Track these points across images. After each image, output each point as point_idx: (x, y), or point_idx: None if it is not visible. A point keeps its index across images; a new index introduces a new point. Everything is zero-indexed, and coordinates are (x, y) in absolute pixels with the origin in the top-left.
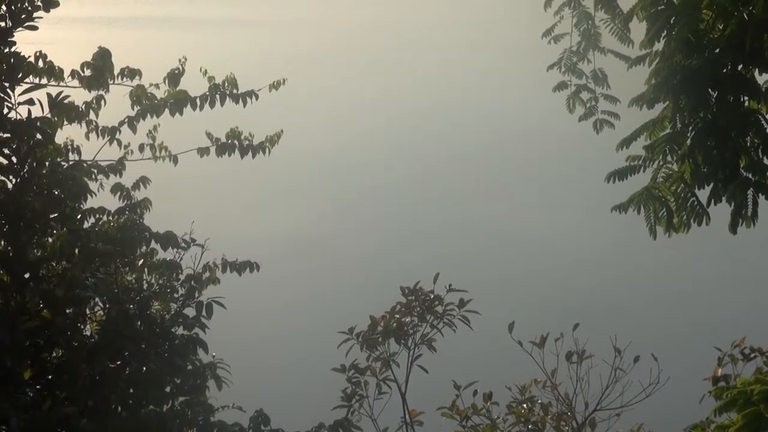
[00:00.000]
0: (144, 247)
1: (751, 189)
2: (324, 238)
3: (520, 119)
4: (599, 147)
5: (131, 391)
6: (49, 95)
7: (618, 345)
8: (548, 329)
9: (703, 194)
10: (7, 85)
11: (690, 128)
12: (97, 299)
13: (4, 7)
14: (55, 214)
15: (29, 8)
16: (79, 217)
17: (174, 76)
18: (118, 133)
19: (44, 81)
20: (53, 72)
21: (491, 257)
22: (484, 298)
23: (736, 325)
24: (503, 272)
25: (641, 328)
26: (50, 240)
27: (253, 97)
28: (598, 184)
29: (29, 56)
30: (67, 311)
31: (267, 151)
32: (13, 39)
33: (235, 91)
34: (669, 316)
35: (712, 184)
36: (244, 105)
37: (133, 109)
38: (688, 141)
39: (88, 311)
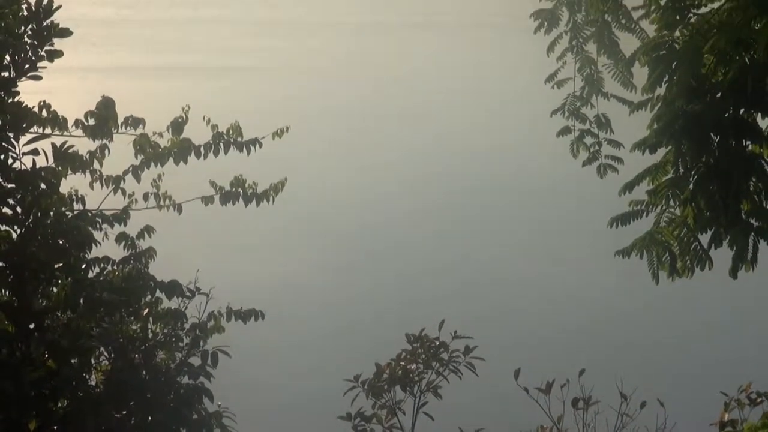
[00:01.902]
0: (149, 297)
1: (753, 234)
2: (329, 285)
3: (523, 160)
4: (603, 188)
5: None
6: (53, 145)
7: (624, 390)
8: (554, 375)
9: (705, 238)
10: (11, 135)
11: (692, 173)
12: (102, 349)
13: (8, 57)
14: (60, 264)
15: (33, 58)
16: (83, 266)
17: (177, 125)
18: (122, 182)
19: (48, 131)
20: (57, 122)
21: (496, 302)
22: (489, 343)
23: (742, 366)
24: (509, 318)
25: (646, 371)
26: (55, 290)
27: (257, 145)
28: (602, 227)
29: (33, 106)
30: (73, 361)
31: (271, 199)
32: (17, 89)
33: (239, 139)
34: (674, 358)
35: (713, 229)
36: (248, 153)
37: (137, 158)
38: (691, 186)
39: (93, 361)
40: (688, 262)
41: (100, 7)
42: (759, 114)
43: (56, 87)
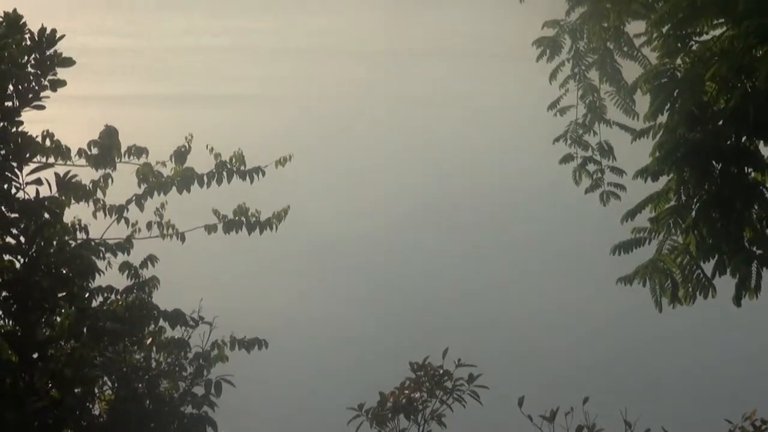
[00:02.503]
0: (152, 326)
1: (756, 262)
2: (332, 312)
3: (525, 189)
4: (606, 217)
5: None
6: (56, 174)
7: (628, 418)
8: (558, 403)
9: (708, 267)
10: (14, 165)
11: (695, 200)
12: (105, 378)
13: (11, 87)
14: (63, 294)
15: (36, 88)
16: (87, 296)
17: (180, 154)
18: (125, 211)
19: (51, 160)
20: (60, 151)
21: (499, 330)
22: (493, 371)
23: (745, 398)
24: (512, 345)
25: (651, 400)
26: (58, 319)
27: (260, 174)
28: (604, 255)
29: (36, 135)
30: (76, 391)
31: (274, 227)
32: (20, 119)
33: (242, 168)
34: (677, 389)
35: (716, 257)
36: (251, 181)
37: (140, 187)
38: (693, 213)
39: (96, 391)
40: (691, 289)
41: (101, 36)
42: (761, 141)
43: (56, 116)
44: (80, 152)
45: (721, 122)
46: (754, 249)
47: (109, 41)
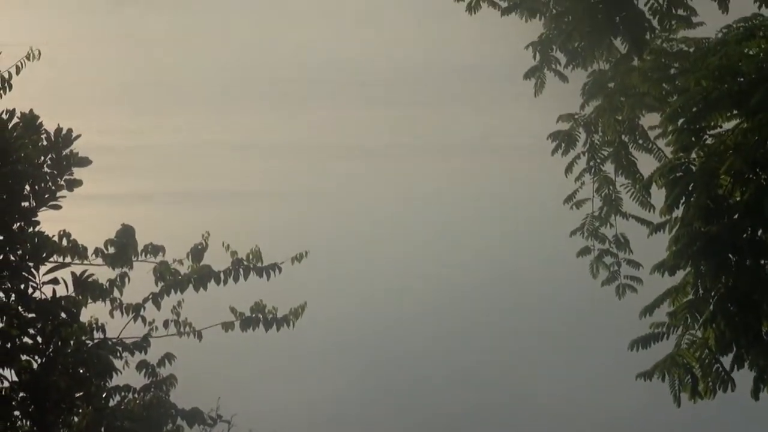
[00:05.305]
0: (170, 425)
1: None
2: (349, 412)
3: (543, 280)
4: (625, 308)
5: None
6: (73, 274)
7: None
8: None
9: (726, 360)
10: (31, 265)
11: (712, 294)
12: None
13: (27, 187)
14: (81, 393)
15: (53, 188)
16: (104, 395)
17: (197, 252)
18: (142, 310)
19: (68, 260)
20: (77, 250)
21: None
22: None
23: None
24: None
25: None
26: (76, 419)
27: (277, 270)
28: (622, 349)
29: (53, 235)
30: None
31: (291, 324)
32: (37, 219)
33: (259, 265)
34: None
35: (735, 350)
36: (268, 278)
37: (156, 285)
38: (711, 307)
39: None
40: (710, 383)
41: (106, 136)
42: None
43: (61, 215)
44: (97, 251)
45: (736, 215)
46: None
47: (113, 140)
